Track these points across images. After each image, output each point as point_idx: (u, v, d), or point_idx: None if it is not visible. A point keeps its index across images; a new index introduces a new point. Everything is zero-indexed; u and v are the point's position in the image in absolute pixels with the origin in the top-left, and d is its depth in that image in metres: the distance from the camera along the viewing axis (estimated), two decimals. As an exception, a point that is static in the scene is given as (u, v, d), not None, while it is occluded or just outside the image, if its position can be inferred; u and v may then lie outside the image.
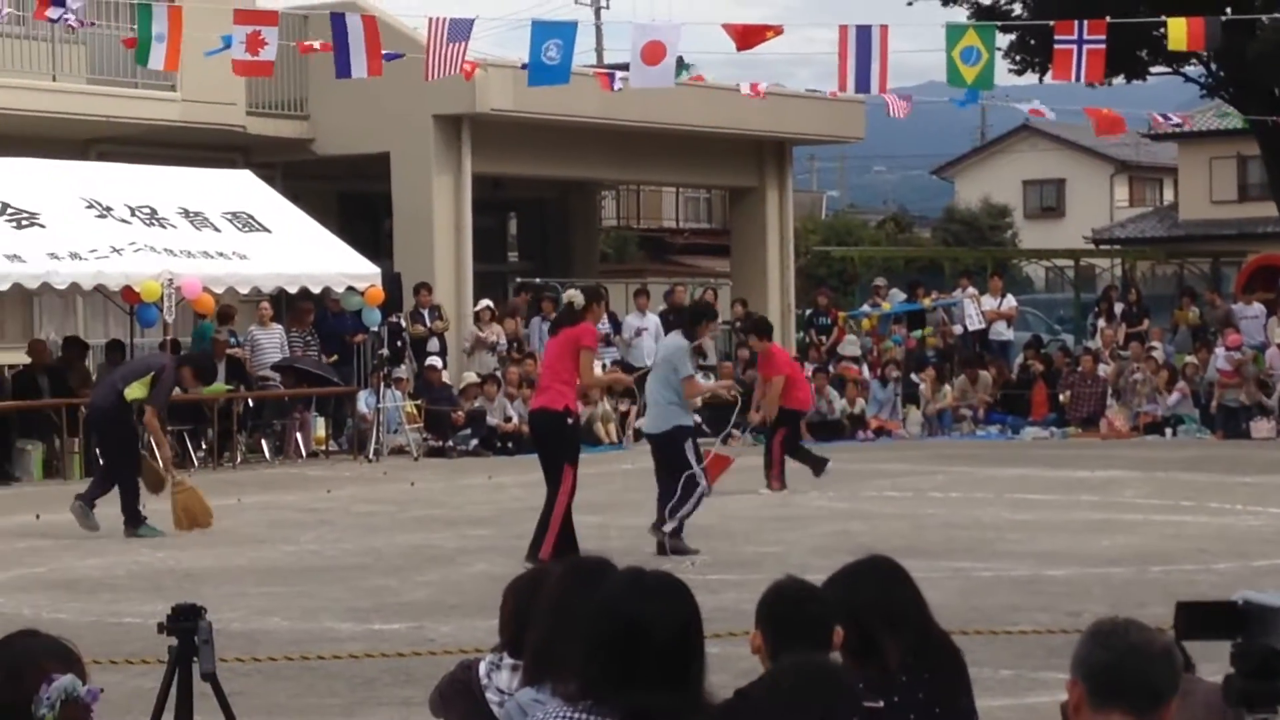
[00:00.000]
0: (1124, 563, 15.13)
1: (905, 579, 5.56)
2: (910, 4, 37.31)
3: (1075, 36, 20.69)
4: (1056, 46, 20.96)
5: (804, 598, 5.14)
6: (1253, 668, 3.30)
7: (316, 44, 22.30)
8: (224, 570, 15.44)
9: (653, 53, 19.93)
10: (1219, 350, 29.58)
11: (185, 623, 6.66)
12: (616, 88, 24.14)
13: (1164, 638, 4.13)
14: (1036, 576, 14.56)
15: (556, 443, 15.21)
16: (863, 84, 20.62)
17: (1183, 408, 29.75)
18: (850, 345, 32.17)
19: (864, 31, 20.43)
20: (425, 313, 29.30)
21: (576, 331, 15.35)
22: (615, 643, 4.20)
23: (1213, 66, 39.79)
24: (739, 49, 20.78)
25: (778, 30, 20.98)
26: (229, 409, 25.64)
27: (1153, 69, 40.74)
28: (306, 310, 27.46)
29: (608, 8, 64.36)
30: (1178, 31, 21.10)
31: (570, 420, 15.20)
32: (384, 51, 22.26)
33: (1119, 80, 41.04)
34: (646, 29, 20.39)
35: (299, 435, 26.61)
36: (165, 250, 24.35)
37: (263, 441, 26.39)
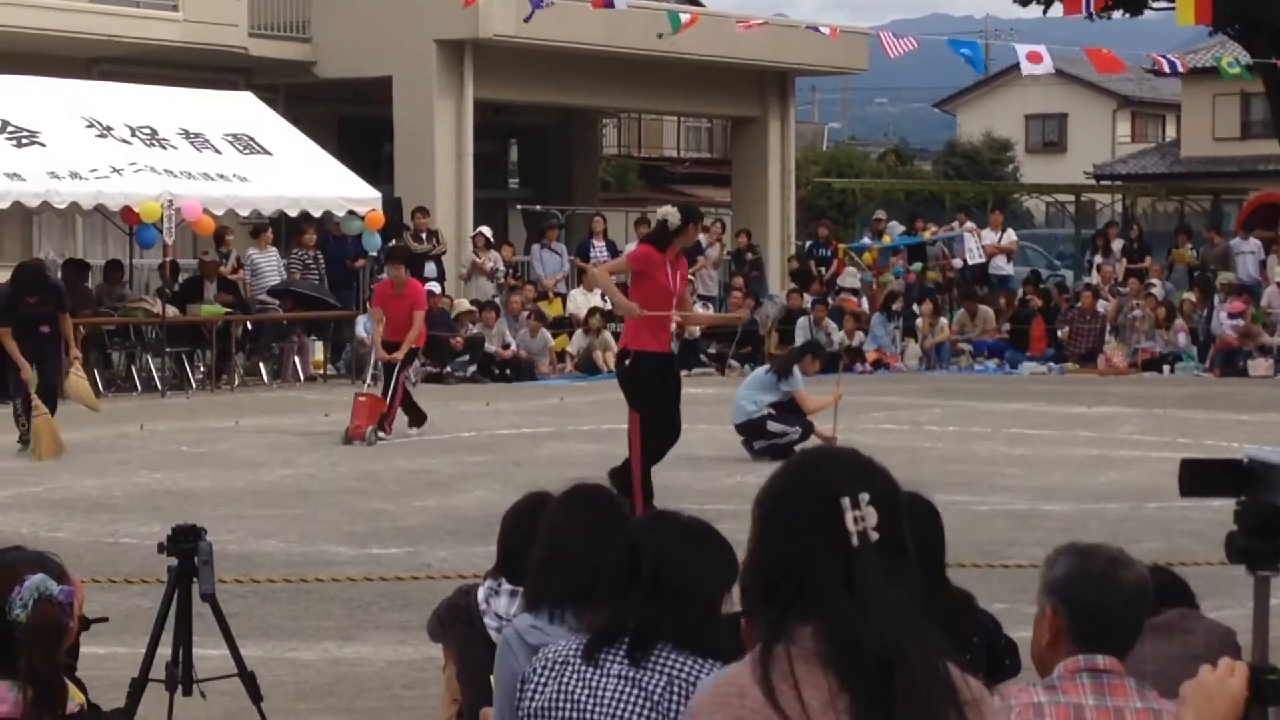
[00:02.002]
0: (1120, 498, 15.17)
1: (932, 520, 5.52)
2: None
3: None
4: None
5: None
6: (1256, 525, 3.32)
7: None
8: (221, 492, 15.48)
9: None
10: (1223, 317, 29.43)
11: (186, 543, 6.69)
12: (620, 5, 23.81)
13: (1143, 573, 4.16)
14: (1033, 511, 14.60)
15: (622, 387, 14.11)
16: None
17: (1181, 345, 29.80)
18: (850, 277, 32.13)
19: None
20: (423, 235, 29.30)
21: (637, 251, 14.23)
22: (641, 578, 4.24)
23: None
24: None
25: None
26: (227, 331, 25.63)
27: (1155, 4, 40.59)
28: (303, 231, 27.39)
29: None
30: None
31: (627, 361, 13.88)
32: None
33: (1120, 15, 40.91)
34: None
35: (297, 359, 26.62)
36: (165, 171, 24.31)
37: (261, 365, 26.39)
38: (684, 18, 24.75)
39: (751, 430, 17.90)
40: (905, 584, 2.99)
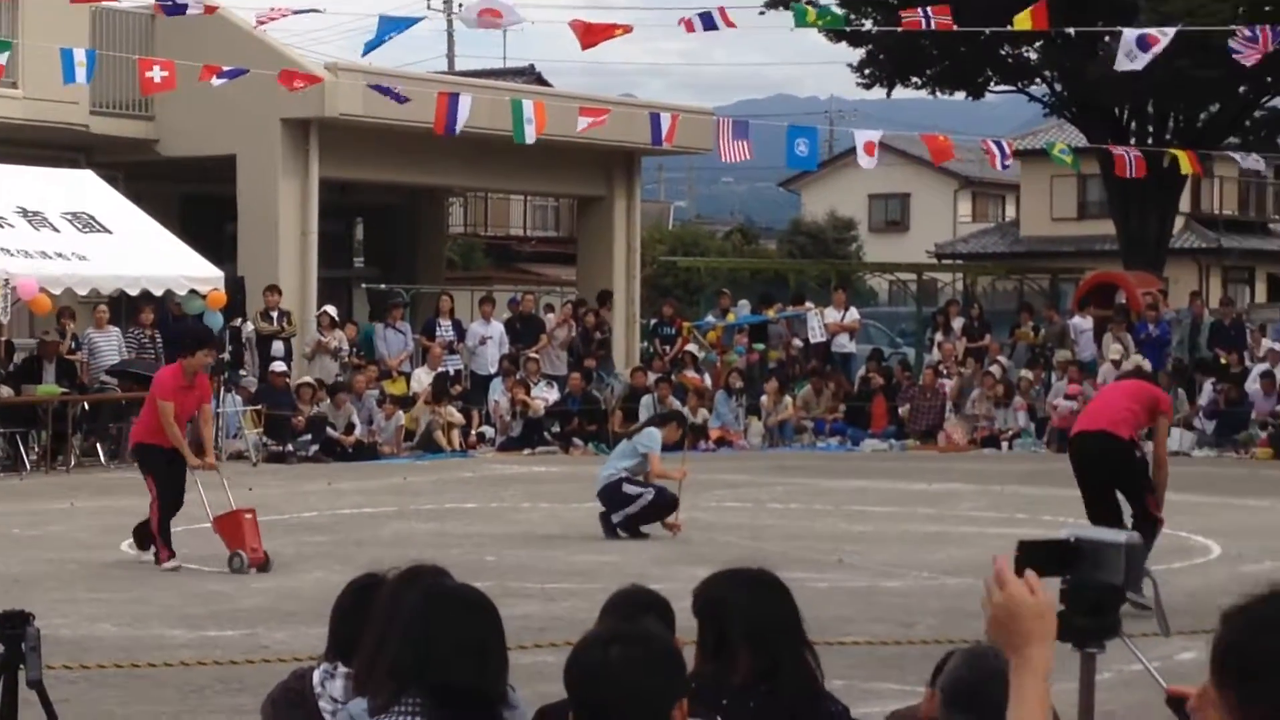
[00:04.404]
0: (959, 574, 15.29)
1: (783, 599, 5.49)
2: (763, 13, 37.47)
3: (923, 29, 21.79)
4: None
5: (649, 597, 5.42)
6: (1084, 604, 3.39)
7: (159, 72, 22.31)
8: (54, 575, 15.22)
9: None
10: (1062, 401, 29.85)
11: (12, 629, 6.56)
12: (457, 130, 23.77)
13: None
14: (872, 588, 14.68)
15: (1127, 472, 14.50)
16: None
17: (1020, 422, 30.21)
18: (693, 346, 32.39)
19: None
20: (274, 314, 29.11)
21: (1160, 394, 15.23)
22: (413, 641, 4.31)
23: (1056, 86, 40.41)
24: (584, 47, 20.73)
25: (626, 28, 20.88)
26: (63, 411, 25.25)
27: (996, 87, 41.31)
28: (139, 310, 27.08)
29: (458, 11, 64.14)
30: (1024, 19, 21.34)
31: (1138, 454, 14.58)
32: (226, 68, 22.39)
33: (960, 96, 41.62)
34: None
35: (136, 439, 26.25)
36: (2, 250, 23.97)
37: (98, 445, 26.02)
38: (528, 107, 24.58)
39: (610, 494, 17.94)
40: None
